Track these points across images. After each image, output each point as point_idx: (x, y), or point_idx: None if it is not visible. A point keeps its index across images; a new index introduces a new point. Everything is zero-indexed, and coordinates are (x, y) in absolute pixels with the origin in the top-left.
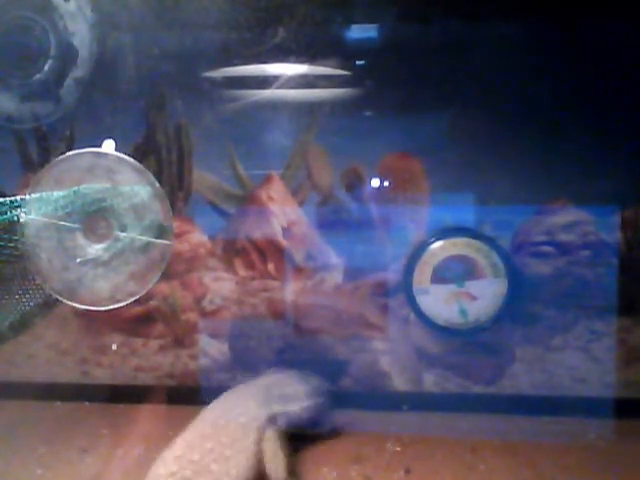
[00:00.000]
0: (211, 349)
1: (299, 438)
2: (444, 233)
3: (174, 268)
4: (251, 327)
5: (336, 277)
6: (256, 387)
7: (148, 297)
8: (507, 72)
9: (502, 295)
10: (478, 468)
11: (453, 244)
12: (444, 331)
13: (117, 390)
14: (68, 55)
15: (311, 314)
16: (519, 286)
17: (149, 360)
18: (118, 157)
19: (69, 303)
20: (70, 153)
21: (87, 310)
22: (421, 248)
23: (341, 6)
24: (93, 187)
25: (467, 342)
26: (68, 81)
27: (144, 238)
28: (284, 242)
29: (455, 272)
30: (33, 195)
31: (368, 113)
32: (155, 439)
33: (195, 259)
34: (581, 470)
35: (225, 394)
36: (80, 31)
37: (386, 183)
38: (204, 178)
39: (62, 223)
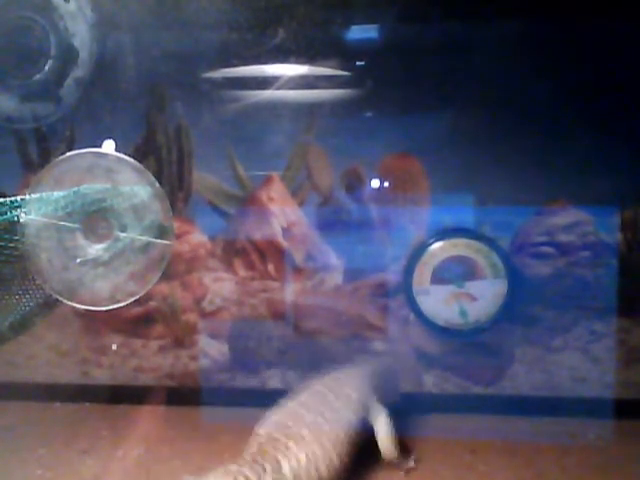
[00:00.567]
0: (211, 350)
1: None
2: (444, 234)
3: (174, 269)
4: (251, 328)
5: (336, 278)
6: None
7: (148, 298)
8: (507, 72)
9: (502, 296)
10: (478, 469)
11: (453, 245)
12: (444, 332)
13: (117, 391)
14: (68, 55)
15: (311, 315)
16: (519, 287)
17: (149, 361)
18: (118, 157)
19: (69, 303)
20: (70, 153)
21: (87, 310)
22: (421, 249)
23: (341, 7)
24: (93, 187)
25: (467, 343)
26: (68, 81)
27: (144, 238)
28: (284, 243)
29: (455, 273)
30: (33, 195)
31: (368, 114)
32: (155, 440)
33: (195, 260)
34: (581, 471)
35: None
36: (80, 31)
37: (386, 184)
38: (204, 179)
39: (62, 223)
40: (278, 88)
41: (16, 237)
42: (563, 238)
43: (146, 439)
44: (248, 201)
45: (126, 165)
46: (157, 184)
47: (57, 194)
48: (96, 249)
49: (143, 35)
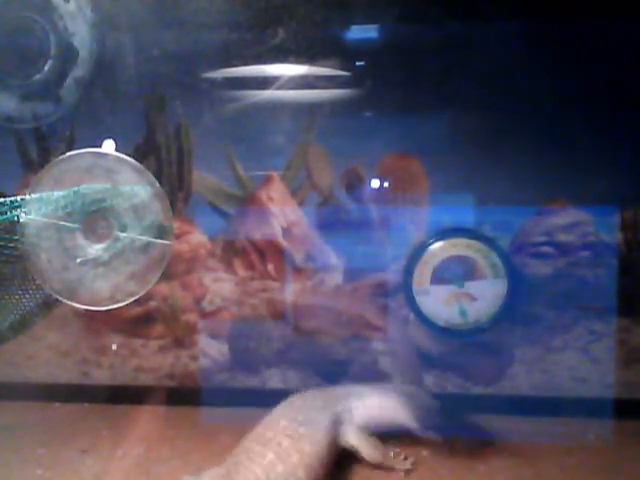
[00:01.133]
0: (211, 350)
1: None
2: (444, 234)
3: (174, 269)
4: (251, 328)
5: (336, 278)
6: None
7: (148, 298)
8: (507, 72)
9: (502, 296)
10: (478, 469)
11: (453, 245)
12: (444, 332)
13: (117, 391)
14: (68, 55)
15: (311, 315)
16: (519, 287)
17: (149, 361)
18: (118, 157)
19: (69, 303)
20: (70, 153)
21: (87, 310)
22: (421, 249)
23: (341, 7)
24: (93, 187)
25: (467, 343)
26: (68, 81)
27: (144, 238)
28: (284, 243)
29: (455, 273)
30: (33, 195)
31: (368, 114)
32: (155, 440)
33: (195, 260)
34: (581, 471)
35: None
36: (80, 31)
37: (386, 184)
38: (204, 178)
39: (62, 223)
40: (278, 88)
41: (16, 237)
42: (563, 238)
43: (146, 439)
44: (248, 201)
45: (126, 165)
46: (157, 184)
47: (57, 194)
48: (96, 249)
49: (143, 35)
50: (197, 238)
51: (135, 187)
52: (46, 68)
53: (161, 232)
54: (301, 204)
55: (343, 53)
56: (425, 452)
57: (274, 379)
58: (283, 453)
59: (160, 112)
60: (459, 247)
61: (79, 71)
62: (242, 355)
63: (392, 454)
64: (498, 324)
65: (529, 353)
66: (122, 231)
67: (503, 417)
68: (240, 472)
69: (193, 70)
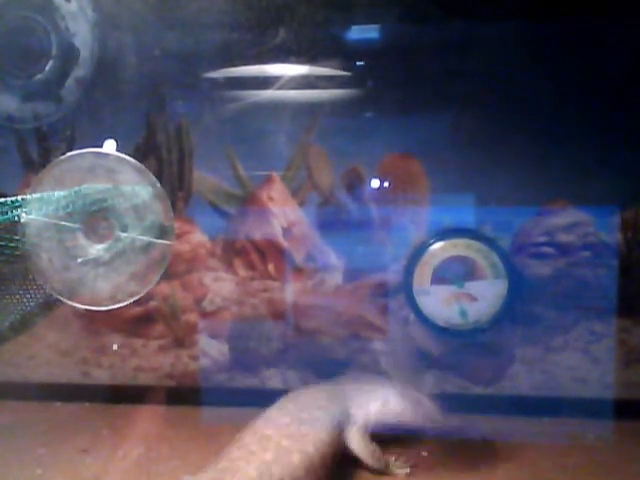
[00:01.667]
0: (211, 349)
1: None
2: (444, 234)
3: (174, 268)
4: (251, 327)
5: (336, 278)
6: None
7: (148, 297)
8: (507, 72)
9: (502, 296)
10: (478, 468)
11: (453, 245)
12: (444, 332)
13: (117, 390)
14: (69, 55)
15: (311, 315)
16: (519, 287)
17: (149, 360)
18: (119, 157)
19: (70, 303)
20: (71, 153)
21: (88, 310)
22: (421, 249)
23: (342, 7)
24: (94, 187)
25: (467, 343)
26: (69, 81)
27: (145, 238)
28: (284, 243)
29: (455, 273)
30: (34, 195)
31: (368, 114)
32: (155, 439)
33: (195, 259)
34: (581, 471)
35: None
36: (81, 31)
37: (386, 184)
38: (205, 178)
39: (63, 223)
40: (279, 88)
41: (17, 237)
42: (563, 238)
43: (146, 439)
44: (248, 201)
45: (127, 165)
46: (158, 184)
47: (58, 194)
48: (97, 249)
49: (144, 35)
50: (197, 238)
51: (136, 187)
52: (47, 68)
53: (162, 232)
54: (301, 204)
55: (344, 53)
56: (425, 452)
57: (274, 379)
58: (283, 453)
59: (161, 112)
60: (459, 247)
61: (80, 71)
62: (242, 355)
63: (393, 459)
64: (498, 324)
65: (529, 353)
66: (123, 231)
67: (503, 417)
68: (236, 473)
69: (194, 70)
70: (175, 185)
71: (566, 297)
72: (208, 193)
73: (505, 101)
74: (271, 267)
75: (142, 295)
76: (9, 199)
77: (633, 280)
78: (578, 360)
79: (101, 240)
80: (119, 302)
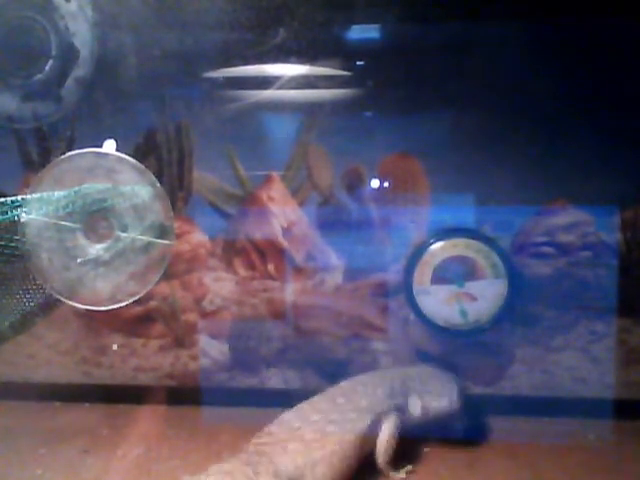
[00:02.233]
0: (211, 349)
1: None
2: (444, 234)
3: (174, 268)
4: (251, 327)
5: (336, 277)
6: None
7: (148, 297)
8: (507, 72)
9: (502, 296)
10: (478, 469)
11: (453, 245)
12: (444, 332)
13: (117, 390)
14: (69, 55)
15: (311, 314)
16: (519, 287)
17: (149, 360)
18: (119, 157)
19: (70, 303)
20: (71, 153)
21: (87, 310)
22: (421, 249)
23: (342, 7)
24: (94, 187)
25: (467, 343)
26: (69, 81)
27: (145, 238)
28: (284, 242)
29: (455, 273)
30: (34, 195)
31: (369, 113)
32: (155, 439)
33: (195, 259)
34: (581, 471)
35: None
36: (81, 31)
37: (386, 183)
38: (205, 178)
39: (63, 223)
40: (279, 88)
41: (17, 237)
42: (563, 238)
43: (146, 439)
44: (248, 201)
45: (127, 165)
46: (158, 184)
47: (58, 194)
48: (97, 249)
49: (144, 35)
50: (197, 238)
51: (136, 187)
52: (47, 68)
53: (162, 232)
54: (301, 204)
55: (344, 53)
56: (427, 448)
57: (274, 379)
58: (305, 448)
59: (161, 112)
60: (459, 247)
61: (80, 71)
62: (242, 355)
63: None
64: (498, 324)
65: (529, 353)
66: (123, 231)
67: (503, 417)
68: (262, 461)
69: (194, 70)
70: (175, 185)
71: (566, 297)
72: (208, 193)
73: (505, 101)
74: (271, 267)
75: (142, 295)
76: (9, 199)
77: (633, 280)
78: (578, 360)
79: (101, 240)
80: (119, 302)
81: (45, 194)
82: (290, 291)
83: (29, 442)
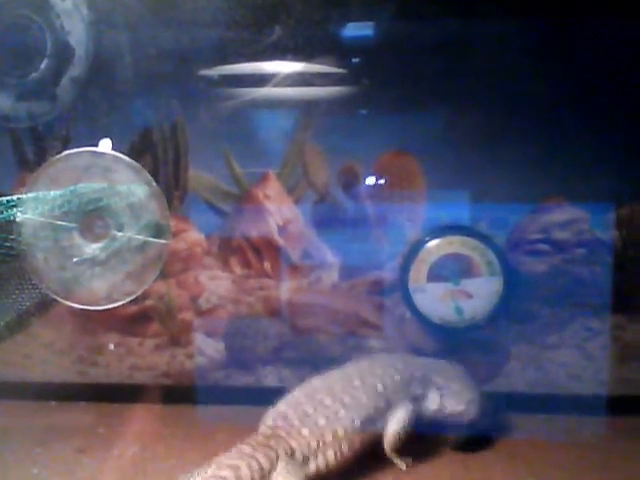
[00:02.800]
0: (207, 348)
1: None
2: (440, 231)
3: (170, 267)
4: (247, 326)
5: (332, 275)
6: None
7: (144, 296)
8: (504, 70)
9: (498, 293)
10: (474, 466)
11: (449, 242)
12: (440, 329)
13: (113, 389)
14: (64, 54)
15: (307, 312)
16: (515, 284)
17: (145, 359)
18: (115, 156)
19: (66, 302)
20: (67, 152)
21: (84, 309)
22: (417, 246)
23: (338, 4)
24: (90, 186)
25: (462, 340)
26: (64, 80)
27: (141, 237)
28: (280, 240)
29: (451, 270)
30: (30, 194)
31: (364, 111)
32: (151, 438)
33: (191, 258)
34: (576, 468)
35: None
36: (76, 30)
37: (382, 181)
38: (200, 177)
39: (59, 222)
40: (275, 86)
41: (12, 236)
42: (559, 235)
43: (142, 437)
44: (244, 199)
45: (123, 164)
46: (154, 183)
47: (54, 193)
48: (93, 248)
49: (139, 33)
50: (193, 236)
51: (132, 186)
52: (42, 67)
53: (158, 231)
54: (297, 202)
55: (340, 51)
56: (425, 448)
57: (270, 377)
58: (317, 431)
59: (156, 111)
60: (455, 245)
61: (75, 70)
62: (238, 353)
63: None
64: (494, 321)
65: (524, 350)
66: (119, 230)
67: (498, 414)
68: (280, 443)
69: (189, 68)
70: (171, 184)
71: (561, 294)
72: (204, 191)
73: (501, 99)
74: (267, 265)
75: (138, 294)
76: (4, 198)
77: (628, 277)
78: (573, 357)
79: (97, 239)
80: (115, 301)
81: (41, 193)
82: (286, 289)
83: (25, 441)
